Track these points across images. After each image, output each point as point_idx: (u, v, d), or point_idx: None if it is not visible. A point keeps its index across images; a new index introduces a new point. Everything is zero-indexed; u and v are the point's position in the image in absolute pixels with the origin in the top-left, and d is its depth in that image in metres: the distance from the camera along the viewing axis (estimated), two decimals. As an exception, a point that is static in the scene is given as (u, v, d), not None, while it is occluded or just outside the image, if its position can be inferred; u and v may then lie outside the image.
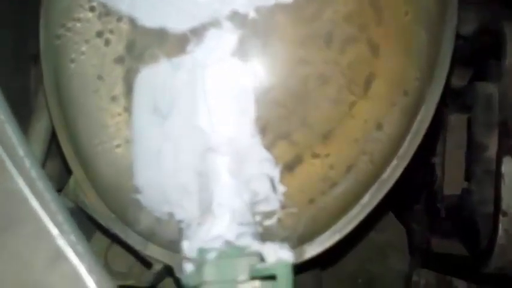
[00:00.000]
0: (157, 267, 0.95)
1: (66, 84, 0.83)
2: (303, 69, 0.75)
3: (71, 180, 0.99)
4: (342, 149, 0.78)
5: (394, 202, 1.61)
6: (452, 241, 1.38)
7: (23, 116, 1.10)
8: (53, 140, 1.08)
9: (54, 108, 0.91)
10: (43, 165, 1.09)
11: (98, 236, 1.20)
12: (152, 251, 0.90)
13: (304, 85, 0.75)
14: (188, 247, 0.69)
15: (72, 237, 0.57)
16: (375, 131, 0.80)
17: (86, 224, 1.09)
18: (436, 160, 1.39)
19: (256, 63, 0.73)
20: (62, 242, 0.57)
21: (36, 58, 1.06)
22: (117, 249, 1.19)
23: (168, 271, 0.96)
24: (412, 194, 1.53)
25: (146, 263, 0.98)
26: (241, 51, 0.72)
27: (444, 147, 1.37)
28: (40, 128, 1.06)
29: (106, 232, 0.98)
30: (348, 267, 1.59)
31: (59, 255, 0.56)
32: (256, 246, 0.68)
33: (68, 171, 0.98)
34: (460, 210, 1.26)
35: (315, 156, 0.77)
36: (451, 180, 1.34)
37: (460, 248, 1.34)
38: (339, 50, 0.75)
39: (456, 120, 1.30)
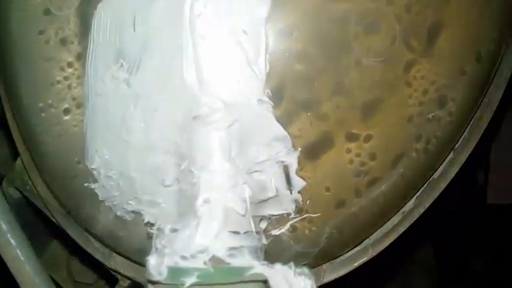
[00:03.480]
0: (123, 283, 0.73)
1: (4, 26, 0.62)
2: (338, 7, 0.53)
3: (17, 163, 0.77)
4: (390, 130, 0.57)
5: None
6: (498, 260, 1.17)
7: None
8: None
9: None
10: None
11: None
12: (117, 263, 0.70)
13: (340, 30, 0.54)
14: (155, 264, 0.46)
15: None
16: (437, 107, 0.59)
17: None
18: (480, 161, 1.18)
19: (272, -9, 0.51)
20: None
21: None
22: (83, 255, 0.98)
23: (138, 289, 0.74)
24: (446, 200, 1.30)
25: (112, 277, 0.76)
26: (251, -30, 0.51)
27: (491, 146, 1.15)
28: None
29: (61, 234, 0.76)
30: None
31: None
32: (259, 268, 0.46)
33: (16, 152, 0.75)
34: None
35: (351, 138, 0.56)
36: (498, 186, 1.13)
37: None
38: (394, -19, 0.54)
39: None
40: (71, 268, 0.99)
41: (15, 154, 0.78)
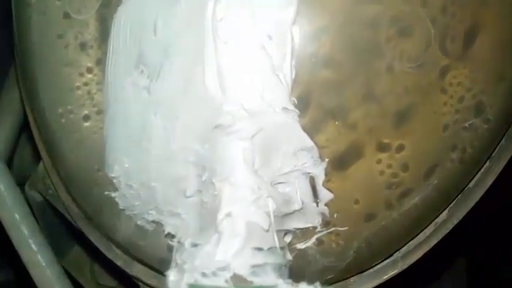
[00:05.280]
0: (144, 292, 0.71)
1: (24, 30, 0.61)
2: (370, 10, 0.50)
3: (40, 167, 0.77)
4: (423, 139, 0.54)
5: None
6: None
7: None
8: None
9: (19, 68, 0.68)
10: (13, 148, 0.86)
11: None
12: (138, 271, 0.69)
13: (371, 34, 0.50)
14: (175, 280, 0.44)
15: None
16: (474, 115, 0.55)
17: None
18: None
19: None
20: None
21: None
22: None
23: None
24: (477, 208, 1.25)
25: (133, 282, 0.74)
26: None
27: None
28: (9, 102, 0.83)
29: (83, 238, 0.75)
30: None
31: None
32: (283, 287, 0.44)
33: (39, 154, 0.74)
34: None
35: (382, 147, 0.53)
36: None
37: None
38: (429, -17, 0.51)
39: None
40: (94, 270, 0.98)
41: (38, 156, 0.78)
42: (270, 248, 0.46)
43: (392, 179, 0.53)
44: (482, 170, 0.64)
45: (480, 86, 0.54)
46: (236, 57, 0.47)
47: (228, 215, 0.45)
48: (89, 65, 0.55)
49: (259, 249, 0.45)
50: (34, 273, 0.69)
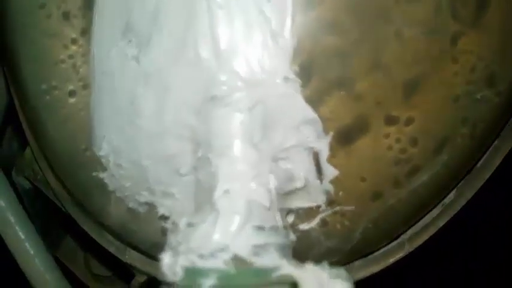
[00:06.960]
0: (139, 279, 0.68)
1: (2, 0, 0.56)
2: None
3: (27, 152, 0.73)
4: (434, 111, 0.50)
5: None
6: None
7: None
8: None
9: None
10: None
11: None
12: (132, 257, 0.65)
13: None
14: (170, 263, 0.41)
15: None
16: (486, 86, 0.51)
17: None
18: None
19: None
20: None
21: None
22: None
23: (156, 285, 0.68)
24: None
25: (128, 270, 0.71)
26: None
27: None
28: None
29: (75, 226, 0.71)
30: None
31: None
32: (287, 268, 0.40)
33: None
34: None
35: (390, 120, 0.49)
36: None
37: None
38: None
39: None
40: (88, 260, 0.95)
41: (25, 142, 0.74)
42: (271, 227, 0.42)
43: (401, 155, 0.50)
44: (491, 148, 0.60)
45: (493, 55, 0.50)
46: (231, 21, 0.43)
47: (226, 192, 0.41)
48: (74, 35, 0.51)
49: (261, 227, 0.41)
50: (22, 262, 0.65)
